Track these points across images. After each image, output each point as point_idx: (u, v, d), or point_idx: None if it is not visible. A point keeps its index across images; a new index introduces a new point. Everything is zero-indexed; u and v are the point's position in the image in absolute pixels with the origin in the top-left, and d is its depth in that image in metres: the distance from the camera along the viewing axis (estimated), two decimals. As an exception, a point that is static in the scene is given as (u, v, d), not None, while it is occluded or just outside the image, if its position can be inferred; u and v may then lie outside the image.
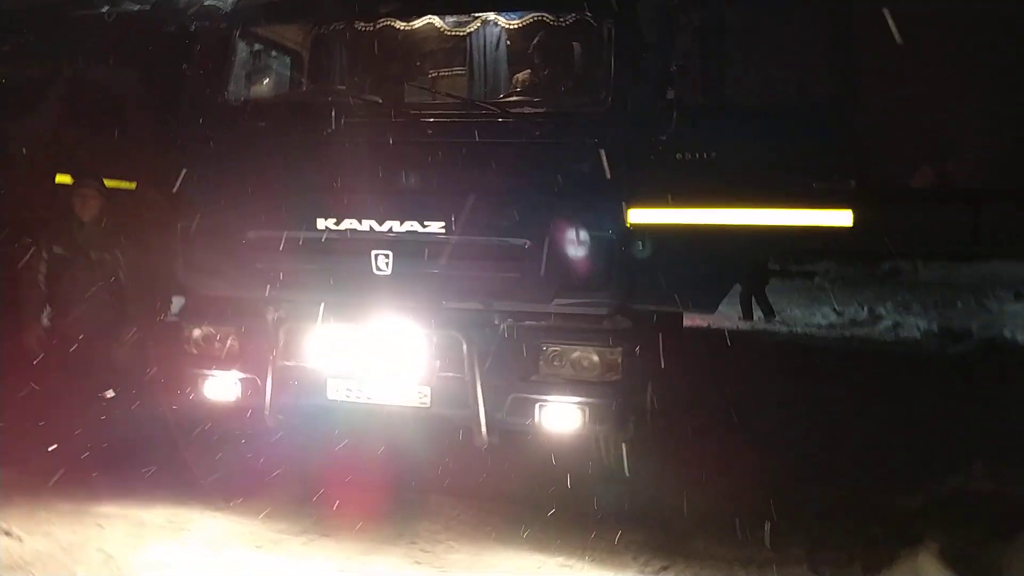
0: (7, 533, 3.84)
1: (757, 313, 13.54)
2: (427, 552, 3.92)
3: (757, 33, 4.22)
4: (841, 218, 4.01)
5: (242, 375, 4.34)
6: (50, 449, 4.57)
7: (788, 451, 5.40)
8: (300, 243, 4.19)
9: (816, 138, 4.00)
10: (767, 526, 4.15)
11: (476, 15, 4.35)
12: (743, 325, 12.99)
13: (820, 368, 8.63)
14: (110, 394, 4.81)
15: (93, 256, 4.91)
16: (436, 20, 4.38)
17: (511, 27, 4.35)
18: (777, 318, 13.59)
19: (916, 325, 12.94)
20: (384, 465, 4.52)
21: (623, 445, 4.58)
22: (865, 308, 14.84)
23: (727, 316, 12.55)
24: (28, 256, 4.90)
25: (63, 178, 7.64)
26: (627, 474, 4.62)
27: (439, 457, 4.61)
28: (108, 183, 5.62)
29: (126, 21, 5.52)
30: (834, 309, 14.88)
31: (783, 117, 4.09)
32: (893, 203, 19.00)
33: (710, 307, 4.25)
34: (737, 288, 12.80)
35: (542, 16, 4.25)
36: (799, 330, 13.05)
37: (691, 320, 12.39)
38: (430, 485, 4.52)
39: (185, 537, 3.98)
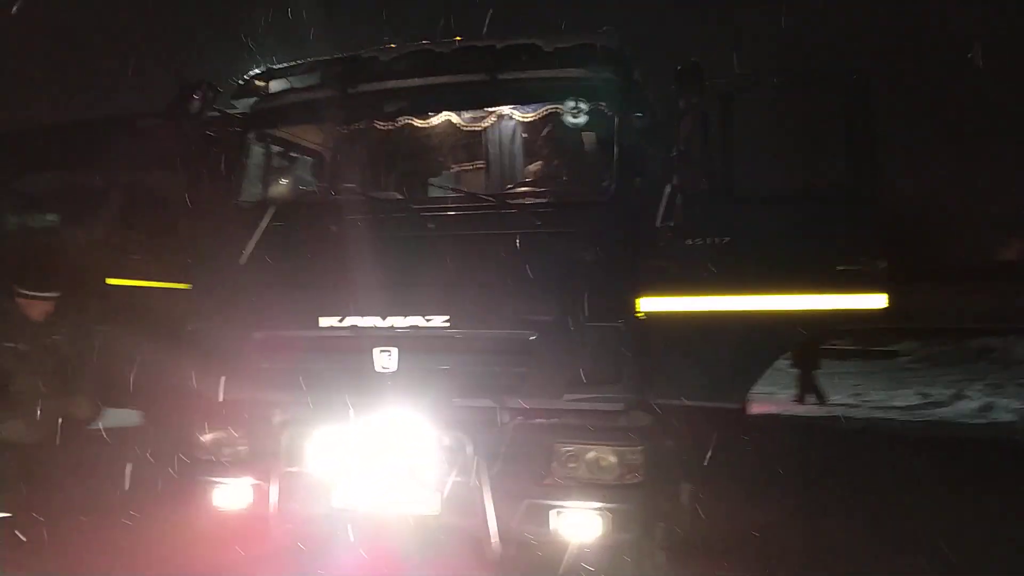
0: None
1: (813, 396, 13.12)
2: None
3: (771, 117, 4.03)
4: (874, 301, 3.67)
5: (250, 481, 4.17)
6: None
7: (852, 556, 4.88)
8: (303, 342, 4.09)
9: (838, 221, 3.73)
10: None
11: (491, 110, 4.29)
12: (813, 410, 12.39)
13: (894, 458, 7.97)
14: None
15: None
16: (453, 117, 4.34)
17: (524, 121, 4.27)
18: (829, 401, 12.99)
19: (1008, 407, 12.01)
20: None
21: (661, 552, 4.22)
22: (952, 389, 13.98)
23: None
24: None
25: (114, 280, 7.91)
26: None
27: (458, 569, 4.28)
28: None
29: (156, 127, 5.69)
30: (920, 392, 14.09)
31: (802, 201, 3.85)
32: (968, 279, 18.16)
33: (736, 399, 3.90)
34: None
35: (554, 108, 4.16)
36: (878, 415, 12.30)
37: (760, 407, 12.02)
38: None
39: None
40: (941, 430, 10.71)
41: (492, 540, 3.73)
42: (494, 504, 3.73)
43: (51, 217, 9.86)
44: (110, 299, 7.79)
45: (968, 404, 12.72)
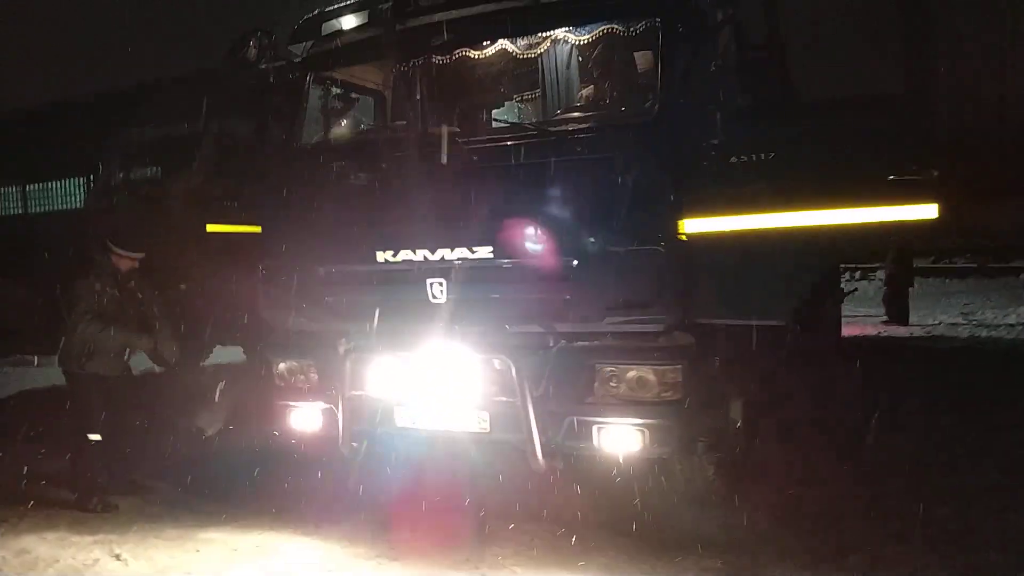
0: (116, 557, 4.23)
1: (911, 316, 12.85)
2: (475, 565, 3.91)
3: (815, 24, 3.90)
4: (925, 211, 3.58)
5: (321, 405, 4.52)
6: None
7: (903, 475, 4.86)
8: (363, 276, 4.34)
9: (889, 129, 3.62)
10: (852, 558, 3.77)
11: (541, 36, 4.32)
12: (904, 331, 12.11)
13: (980, 375, 7.73)
14: (95, 437, 5.07)
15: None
16: (505, 45, 4.40)
17: (573, 44, 4.30)
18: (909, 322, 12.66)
19: None
20: (455, 490, 4.53)
21: (709, 468, 4.34)
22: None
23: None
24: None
25: (214, 227, 8.45)
26: (714, 499, 4.38)
27: (510, 482, 4.54)
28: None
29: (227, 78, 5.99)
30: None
31: (849, 110, 3.75)
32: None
33: (780, 316, 3.91)
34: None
35: (602, 29, 4.16)
36: (983, 333, 11.84)
37: (853, 329, 11.81)
38: (501, 510, 4.46)
39: (270, 562, 4.18)
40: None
41: (537, 455, 3.93)
42: (538, 422, 3.91)
43: (153, 170, 10.58)
44: (210, 244, 8.37)
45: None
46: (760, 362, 4.55)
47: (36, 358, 9.86)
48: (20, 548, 4.36)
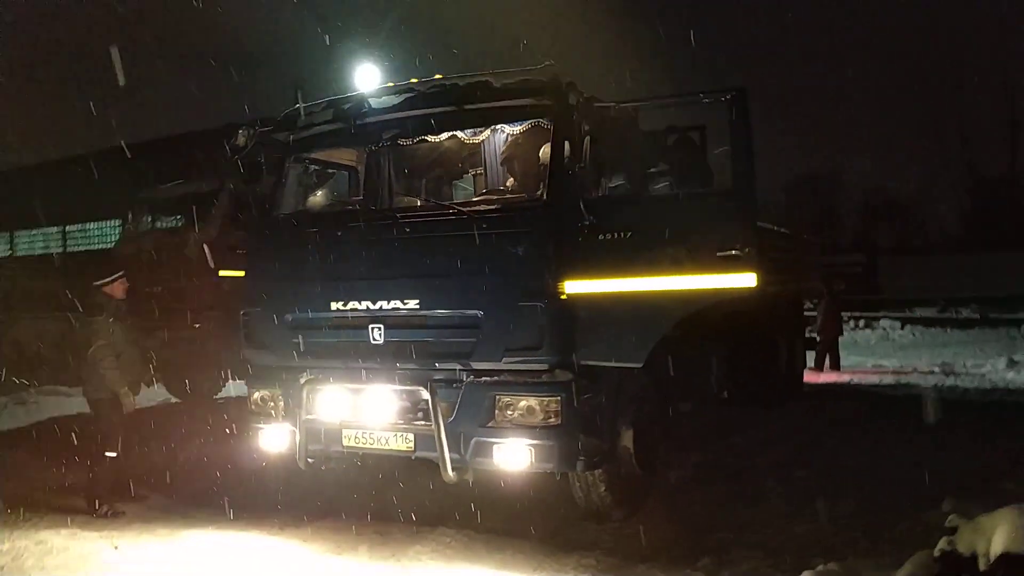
0: (115, 548, 5.23)
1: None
2: (395, 555, 4.90)
3: (666, 138, 4.95)
4: (745, 280, 4.56)
5: (285, 427, 5.53)
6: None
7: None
8: (319, 321, 5.38)
9: (719, 218, 4.62)
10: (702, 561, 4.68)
11: (454, 133, 5.40)
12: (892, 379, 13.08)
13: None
14: (111, 454, 6.02)
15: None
16: (429, 138, 5.50)
17: (477, 141, 5.38)
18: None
19: None
20: (390, 500, 5.49)
21: (601, 484, 5.26)
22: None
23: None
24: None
25: (226, 272, 9.56)
26: (607, 510, 5.31)
27: (437, 493, 5.50)
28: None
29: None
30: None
31: (690, 203, 4.77)
32: None
33: (637, 360, 4.87)
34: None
35: (501, 130, 5.26)
36: (949, 382, 12.67)
37: (815, 377, 12.70)
38: (429, 517, 5.42)
39: (243, 555, 5.12)
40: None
41: (448, 470, 4.90)
42: (449, 442, 4.89)
43: (176, 219, 11.88)
44: (222, 287, 9.49)
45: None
46: (644, 397, 5.49)
47: (69, 388, 11.01)
48: (38, 539, 5.38)
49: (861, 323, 26.05)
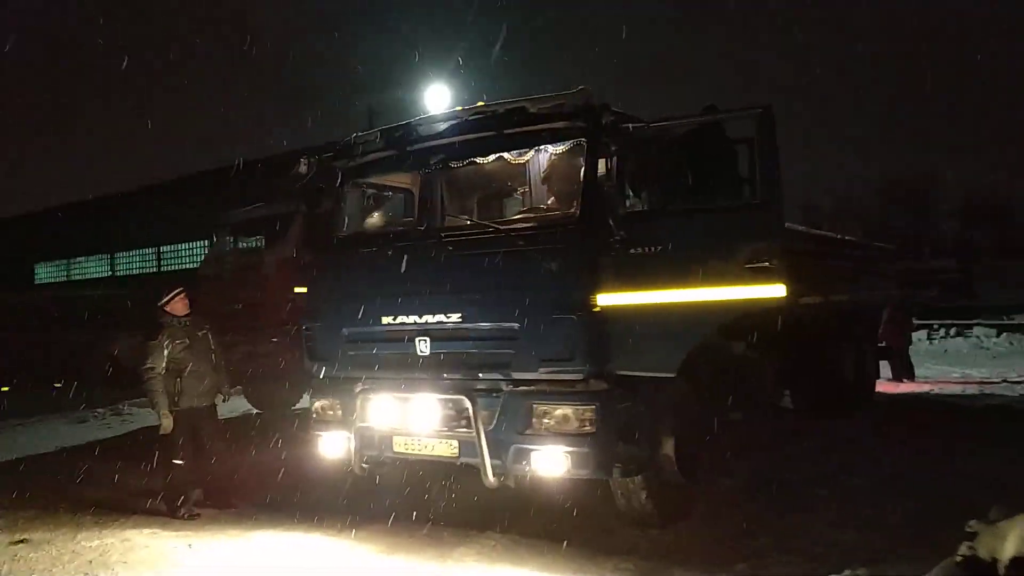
0: (189, 546, 5.68)
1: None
2: (442, 557, 5.16)
3: (701, 153, 5.11)
4: (774, 291, 4.67)
5: (343, 433, 5.89)
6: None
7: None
8: (372, 335, 5.73)
9: (746, 231, 4.74)
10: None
11: (496, 156, 5.66)
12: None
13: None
14: (178, 461, 6.50)
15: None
16: (475, 161, 5.79)
17: (517, 162, 5.63)
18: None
19: None
20: (438, 504, 5.78)
21: (643, 492, 5.41)
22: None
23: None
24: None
25: (302, 290, 10.10)
26: (647, 517, 5.45)
27: (485, 498, 5.76)
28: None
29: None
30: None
31: (717, 217, 4.91)
32: None
33: (669, 370, 5.01)
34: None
35: (538, 151, 5.52)
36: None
37: (892, 387, 12.43)
38: (477, 521, 5.67)
39: (303, 553, 5.50)
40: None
41: (488, 475, 5.15)
42: (490, 449, 5.14)
43: (257, 240, 12.59)
44: (297, 303, 10.04)
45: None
46: (685, 406, 5.61)
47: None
48: (124, 537, 5.89)
49: (952, 331, 25.09)
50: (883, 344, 13.20)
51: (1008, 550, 3.26)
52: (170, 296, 6.70)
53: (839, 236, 10.13)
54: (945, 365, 16.88)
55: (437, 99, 15.35)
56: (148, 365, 6.47)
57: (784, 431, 8.44)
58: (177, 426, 6.54)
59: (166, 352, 6.50)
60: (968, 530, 3.55)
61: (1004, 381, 13.58)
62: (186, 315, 6.71)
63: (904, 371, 14.00)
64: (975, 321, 26.70)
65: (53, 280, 32.87)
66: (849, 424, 9.10)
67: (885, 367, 13.02)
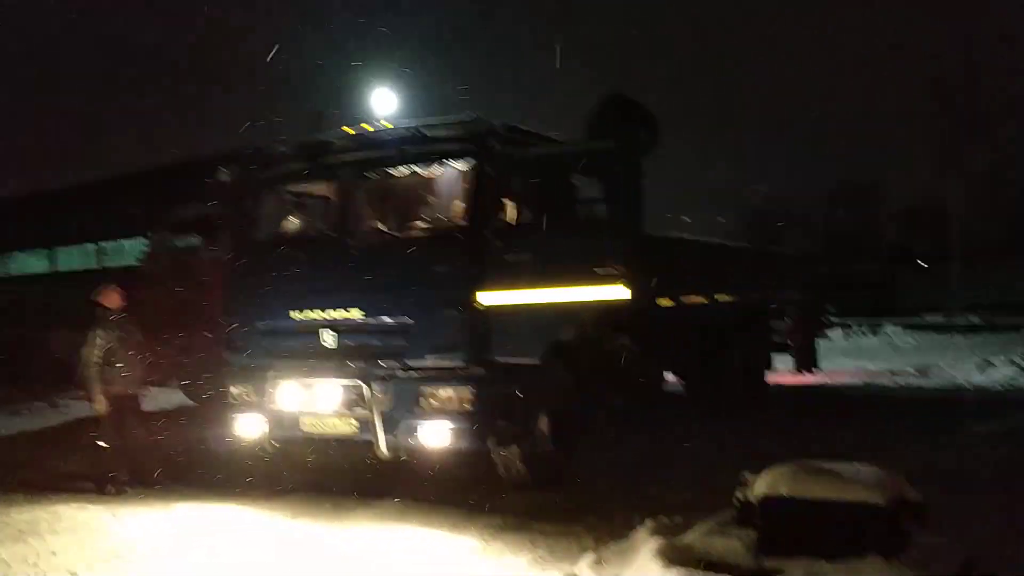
0: (114, 515, 6.33)
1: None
2: (341, 520, 5.91)
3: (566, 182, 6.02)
4: (618, 292, 5.57)
5: (256, 416, 6.61)
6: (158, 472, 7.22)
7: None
8: (283, 328, 6.47)
9: (598, 244, 5.65)
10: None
11: (394, 171, 6.45)
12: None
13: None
14: (103, 444, 7.10)
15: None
16: (374, 176, 6.56)
17: (412, 178, 6.44)
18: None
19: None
20: (344, 476, 6.55)
21: (518, 461, 6.25)
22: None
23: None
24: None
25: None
26: (530, 485, 6.31)
27: (386, 473, 6.55)
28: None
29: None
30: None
31: (578, 232, 5.81)
32: None
33: (535, 357, 5.89)
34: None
35: (432, 169, 6.34)
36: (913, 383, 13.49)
37: (789, 378, 13.58)
38: (377, 492, 6.45)
39: (232, 522, 6.18)
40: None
41: (382, 448, 5.95)
42: (384, 425, 5.93)
43: (194, 239, 13.15)
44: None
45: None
46: (560, 389, 6.47)
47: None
48: (53, 511, 6.49)
49: (866, 329, 26.61)
50: (788, 340, 14.32)
51: (758, 491, 4.18)
52: (103, 291, 7.30)
53: (715, 242, 11.05)
54: (846, 359, 18.18)
55: (382, 104, 15.99)
56: (84, 354, 7.05)
57: (667, 415, 9.36)
58: (106, 411, 7.15)
59: (100, 343, 7.09)
60: (740, 480, 4.46)
61: (890, 373, 14.84)
62: (118, 309, 7.31)
63: (806, 364, 15.10)
64: (887, 320, 28.38)
65: (-9, 276, 32.53)
66: (734, 410, 10.08)
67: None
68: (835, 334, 24.93)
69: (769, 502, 4.13)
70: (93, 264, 28.31)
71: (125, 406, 7.28)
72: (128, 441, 7.27)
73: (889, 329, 26.50)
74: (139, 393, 7.55)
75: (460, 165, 6.16)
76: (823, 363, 15.73)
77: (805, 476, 4.16)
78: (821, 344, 18.96)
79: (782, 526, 4.10)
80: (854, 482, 4.08)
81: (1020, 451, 7.38)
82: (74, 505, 6.64)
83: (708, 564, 4.13)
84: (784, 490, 4.12)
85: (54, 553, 5.35)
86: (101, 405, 7.09)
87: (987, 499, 5.59)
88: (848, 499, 3.98)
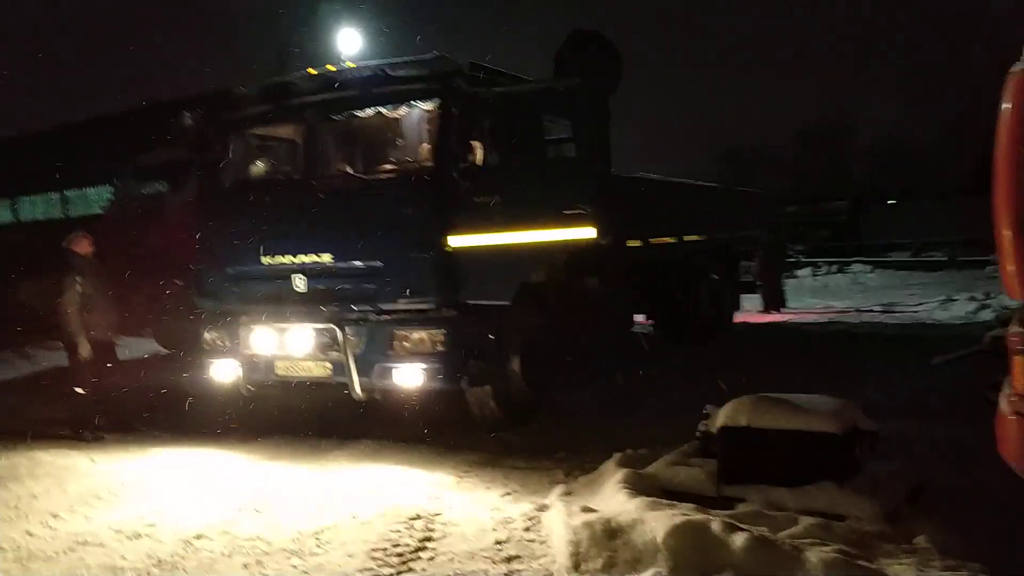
0: (91, 460, 6.41)
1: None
2: (319, 460, 6.05)
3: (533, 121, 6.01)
4: (586, 232, 5.65)
5: (231, 361, 6.67)
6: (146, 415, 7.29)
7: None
8: (254, 273, 6.50)
9: (566, 184, 5.69)
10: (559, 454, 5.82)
11: (361, 112, 6.41)
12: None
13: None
14: (79, 390, 7.15)
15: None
16: (340, 117, 6.52)
17: (377, 119, 6.40)
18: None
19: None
20: (316, 416, 6.68)
21: (491, 401, 6.39)
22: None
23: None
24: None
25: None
26: (503, 424, 6.47)
27: (363, 415, 6.68)
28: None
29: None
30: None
31: (546, 171, 5.84)
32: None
33: (506, 298, 5.99)
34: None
35: (398, 109, 6.30)
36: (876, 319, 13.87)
37: (757, 317, 13.87)
38: (354, 433, 6.59)
39: (208, 463, 6.28)
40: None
41: (356, 390, 6.06)
42: (358, 368, 6.03)
43: (160, 185, 12.97)
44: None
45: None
46: (530, 329, 6.58)
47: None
48: (31, 456, 6.54)
49: (834, 268, 27.07)
50: (756, 280, 14.62)
51: (717, 422, 4.36)
52: (74, 237, 7.26)
53: (683, 182, 11.12)
54: (814, 298, 18.55)
55: (348, 44, 15.71)
56: (63, 302, 7.03)
57: (639, 355, 9.56)
58: (78, 358, 7.16)
59: (77, 288, 7.07)
60: (704, 413, 4.64)
61: (855, 310, 15.20)
62: (89, 255, 7.27)
63: (773, 303, 15.49)
64: (854, 259, 28.87)
65: (-49, 226, 31.78)
66: (703, 349, 10.33)
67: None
68: (803, 273, 25.48)
69: (729, 432, 4.31)
70: (57, 214, 27.81)
71: (101, 353, 7.30)
72: (104, 388, 7.32)
73: (856, 268, 26.98)
74: (114, 340, 7.56)
75: (426, 106, 6.14)
76: (791, 302, 16.13)
77: (764, 407, 4.35)
78: (789, 283, 19.37)
79: (741, 455, 4.31)
80: (810, 412, 4.27)
81: (971, 381, 7.64)
82: (52, 451, 6.70)
83: (671, 493, 4.33)
84: (744, 420, 4.31)
85: (35, 496, 5.44)
86: (85, 349, 7.10)
87: (938, 427, 5.85)
88: (804, 428, 4.17)
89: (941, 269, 26.25)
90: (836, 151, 52.05)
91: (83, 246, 7.25)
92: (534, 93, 6.12)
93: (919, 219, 34.64)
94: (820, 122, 52.25)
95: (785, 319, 14.62)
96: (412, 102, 6.18)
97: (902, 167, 51.03)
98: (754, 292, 14.41)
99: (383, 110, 6.32)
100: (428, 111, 6.15)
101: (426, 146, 6.17)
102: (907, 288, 20.28)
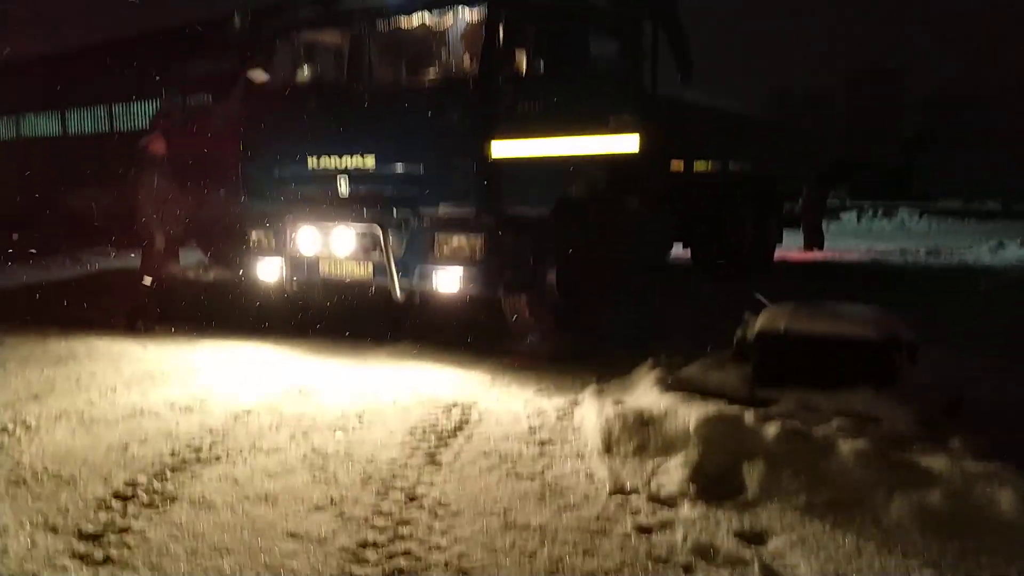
0: (143, 346, 6.68)
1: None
2: (360, 357, 6.22)
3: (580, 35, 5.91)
4: (630, 141, 5.61)
5: (275, 260, 6.83)
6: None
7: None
8: (300, 175, 6.58)
9: (613, 92, 5.62)
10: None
11: (408, 20, 6.37)
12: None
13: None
14: (147, 281, 7.43)
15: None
16: (387, 24, 6.48)
17: (423, 27, 6.35)
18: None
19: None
20: (366, 322, 6.86)
21: (525, 308, 6.47)
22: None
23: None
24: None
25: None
26: (536, 331, 6.56)
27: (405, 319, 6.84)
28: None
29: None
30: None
31: (592, 82, 5.76)
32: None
33: (544, 210, 6.01)
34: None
35: (443, 16, 6.26)
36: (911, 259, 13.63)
37: (798, 255, 13.76)
38: (396, 335, 6.75)
39: (250, 356, 6.52)
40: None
41: (396, 292, 6.17)
42: (398, 270, 6.13)
43: (205, 96, 13.08)
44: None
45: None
46: (568, 243, 6.60)
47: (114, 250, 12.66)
48: (87, 342, 6.84)
49: (880, 212, 26.54)
50: (798, 216, 14.41)
51: (754, 329, 4.39)
52: (152, 137, 7.52)
53: (731, 111, 10.81)
54: (857, 240, 18.26)
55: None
56: (141, 198, 7.33)
57: (677, 283, 9.57)
58: (152, 251, 7.42)
59: (155, 184, 7.33)
60: (743, 320, 4.67)
61: (899, 252, 14.96)
62: (164, 154, 7.48)
63: (814, 241, 15.32)
64: (901, 203, 28.22)
65: (3, 138, 32.43)
66: (742, 283, 10.25)
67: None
68: (848, 216, 25.01)
69: (766, 336, 4.34)
70: (104, 127, 28.18)
71: (171, 245, 7.58)
72: (161, 284, 7.60)
73: (904, 213, 26.41)
74: (179, 239, 7.82)
75: (473, 13, 6.07)
76: (833, 243, 15.89)
77: (802, 314, 4.36)
78: (832, 225, 19.02)
79: (777, 359, 4.34)
80: (849, 319, 4.28)
81: (1016, 310, 7.58)
82: (107, 339, 6.99)
83: (704, 393, 4.39)
84: (781, 326, 4.33)
85: (93, 374, 5.73)
86: (160, 242, 7.42)
87: (980, 350, 5.81)
88: (842, 333, 4.18)
89: (994, 218, 25.58)
90: (888, 96, 50.50)
91: (159, 146, 7.48)
92: (583, 4, 6.00)
93: (972, 167, 33.68)
94: (872, 67, 50.58)
95: (826, 257, 14.45)
96: (459, 9, 6.11)
97: (957, 116, 49.45)
98: (795, 228, 14.25)
99: (429, 15, 6.26)
100: (475, 18, 6.08)
101: (471, 53, 6.12)
102: (957, 235, 19.85)
